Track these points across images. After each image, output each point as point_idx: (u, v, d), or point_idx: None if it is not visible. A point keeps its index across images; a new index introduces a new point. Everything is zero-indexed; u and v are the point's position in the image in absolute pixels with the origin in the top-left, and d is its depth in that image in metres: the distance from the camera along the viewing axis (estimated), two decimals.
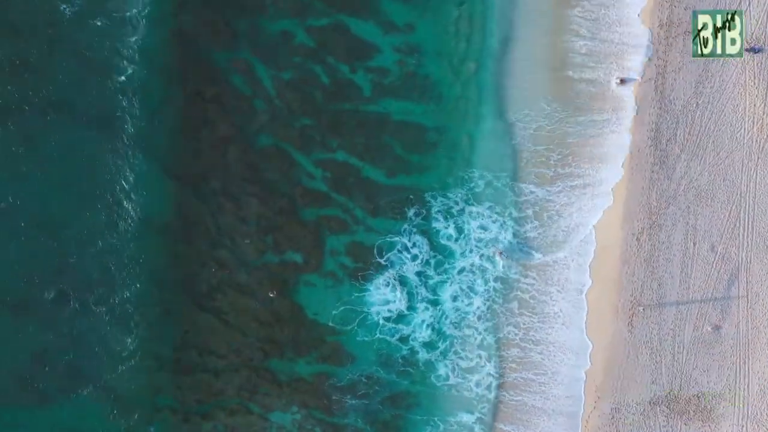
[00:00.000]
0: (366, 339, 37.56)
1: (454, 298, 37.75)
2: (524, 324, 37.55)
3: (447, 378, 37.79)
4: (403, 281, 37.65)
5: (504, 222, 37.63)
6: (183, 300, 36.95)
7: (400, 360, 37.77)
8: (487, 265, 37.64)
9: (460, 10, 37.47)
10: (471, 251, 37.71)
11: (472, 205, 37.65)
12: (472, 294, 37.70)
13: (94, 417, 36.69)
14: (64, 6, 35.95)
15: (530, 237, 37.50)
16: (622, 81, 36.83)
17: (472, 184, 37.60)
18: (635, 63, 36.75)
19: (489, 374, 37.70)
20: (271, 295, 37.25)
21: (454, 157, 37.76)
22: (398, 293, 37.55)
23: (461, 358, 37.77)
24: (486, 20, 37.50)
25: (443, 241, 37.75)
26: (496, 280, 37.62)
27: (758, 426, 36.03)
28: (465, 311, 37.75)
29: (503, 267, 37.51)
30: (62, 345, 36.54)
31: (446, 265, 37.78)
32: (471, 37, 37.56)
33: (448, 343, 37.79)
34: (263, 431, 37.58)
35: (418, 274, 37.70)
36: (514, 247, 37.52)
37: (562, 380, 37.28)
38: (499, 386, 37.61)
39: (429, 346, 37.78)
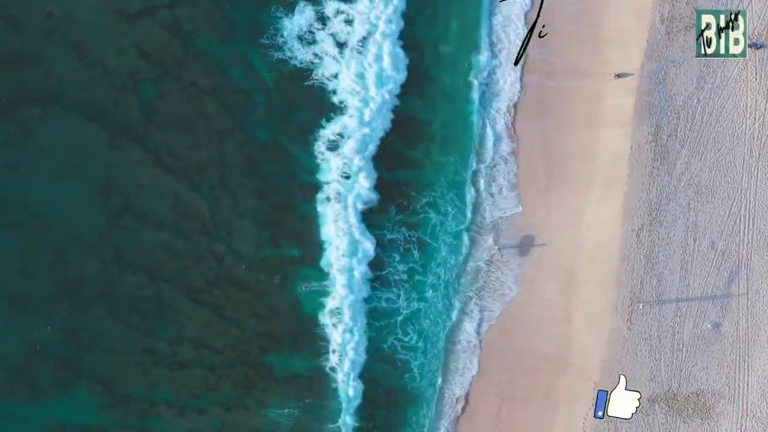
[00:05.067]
0: (360, 335, 37.37)
1: (448, 299, 37.72)
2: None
3: (438, 377, 37.86)
4: (397, 278, 37.50)
5: (502, 216, 37.45)
6: (179, 294, 36.74)
7: (393, 358, 37.71)
8: (484, 264, 37.64)
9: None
10: (468, 248, 37.66)
11: (471, 200, 37.53)
12: (467, 293, 37.74)
13: (89, 411, 36.54)
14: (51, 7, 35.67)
15: (531, 233, 37.35)
16: (618, 76, 36.63)
17: (472, 179, 37.50)
18: (631, 58, 36.50)
19: (478, 374, 37.74)
20: (276, 281, 37.09)
21: (454, 152, 37.61)
22: (390, 290, 37.43)
23: (452, 358, 37.89)
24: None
25: (440, 238, 37.58)
26: (493, 279, 37.61)
27: (757, 424, 35.91)
28: (458, 311, 37.83)
29: (500, 263, 37.39)
30: (58, 339, 36.34)
31: (442, 263, 37.70)
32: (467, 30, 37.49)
33: (439, 342, 37.82)
34: (259, 427, 37.43)
35: (412, 271, 37.56)
36: (513, 243, 37.36)
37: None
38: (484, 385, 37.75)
39: (419, 345, 37.75)
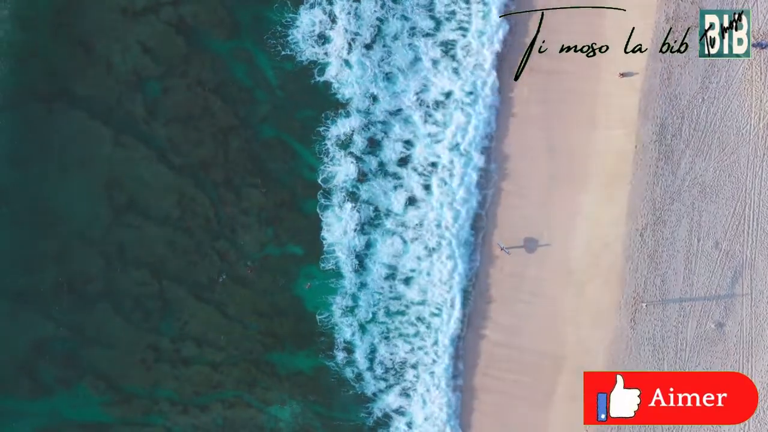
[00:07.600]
0: (364, 332, 37.46)
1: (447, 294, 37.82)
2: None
3: (442, 375, 37.83)
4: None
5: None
6: (182, 291, 36.81)
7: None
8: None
9: None
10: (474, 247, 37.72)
11: (475, 201, 37.62)
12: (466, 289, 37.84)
13: (92, 408, 36.60)
14: None
15: (534, 233, 37.35)
16: (623, 75, 36.59)
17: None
18: (636, 57, 36.36)
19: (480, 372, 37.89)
20: (281, 283, 37.19)
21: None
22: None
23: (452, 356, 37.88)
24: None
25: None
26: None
27: (760, 424, 35.87)
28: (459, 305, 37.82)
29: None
30: (61, 335, 36.43)
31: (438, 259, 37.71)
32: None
33: (439, 341, 37.90)
34: (262, 424, 37.48)
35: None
36: (516, 242, 37.37)
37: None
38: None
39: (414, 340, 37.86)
